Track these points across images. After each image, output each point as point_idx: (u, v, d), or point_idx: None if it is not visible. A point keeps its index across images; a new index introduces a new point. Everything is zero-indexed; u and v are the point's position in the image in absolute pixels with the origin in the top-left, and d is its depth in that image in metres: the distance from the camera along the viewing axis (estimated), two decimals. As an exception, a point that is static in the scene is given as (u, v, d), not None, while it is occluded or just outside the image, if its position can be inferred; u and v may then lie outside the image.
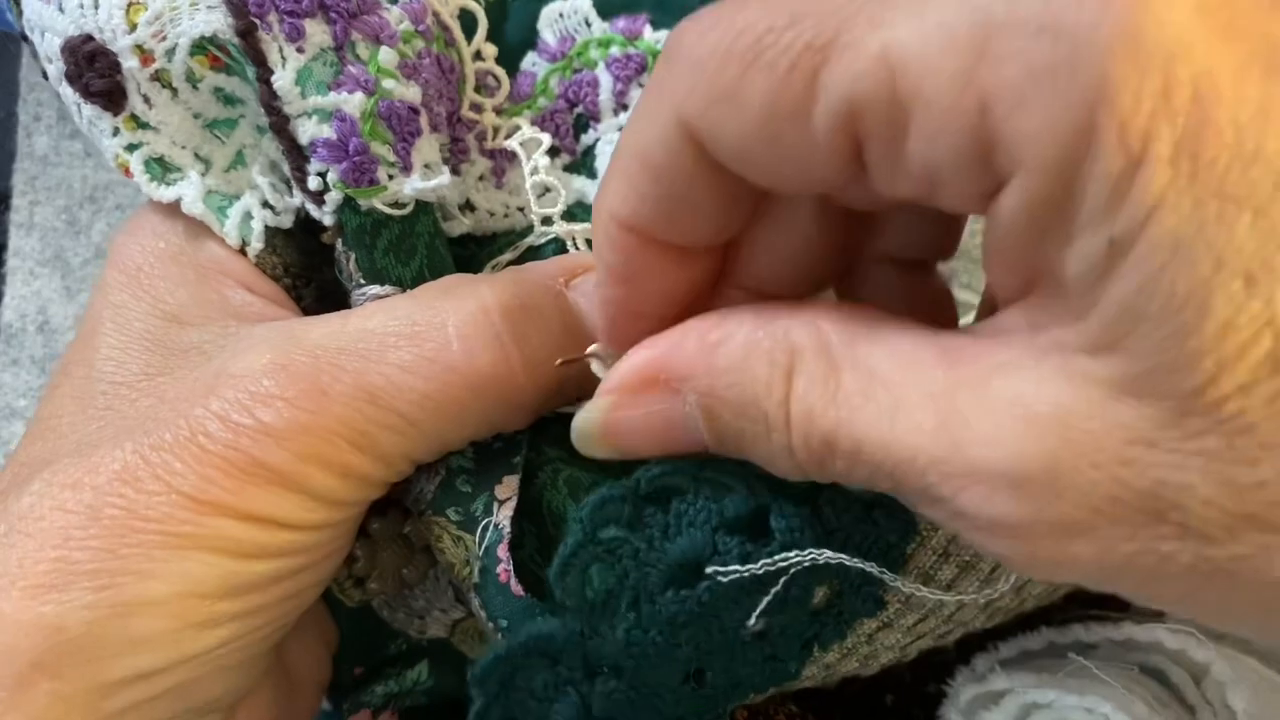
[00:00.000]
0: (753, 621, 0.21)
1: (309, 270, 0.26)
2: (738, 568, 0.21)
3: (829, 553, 0.21)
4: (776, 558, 0.21)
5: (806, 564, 0.21)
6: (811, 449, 0.18)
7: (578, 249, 0.27)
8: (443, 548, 0.24)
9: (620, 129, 0.27)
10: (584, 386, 0.23)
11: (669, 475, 0.21)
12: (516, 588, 0.23)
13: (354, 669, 0.29)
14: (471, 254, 0.28)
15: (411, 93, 0.24)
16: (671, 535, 0.21)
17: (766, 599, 0.21)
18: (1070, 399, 0.15)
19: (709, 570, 0.21)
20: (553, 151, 0.28)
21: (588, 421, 0.21)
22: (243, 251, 0.25)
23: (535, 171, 0.27)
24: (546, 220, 0.27)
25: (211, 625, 0.21)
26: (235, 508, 0.21)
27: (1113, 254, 0.14)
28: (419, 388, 0.21)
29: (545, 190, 0.28)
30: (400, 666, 0.29)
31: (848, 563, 0.21)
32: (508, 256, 0.27)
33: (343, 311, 0.24)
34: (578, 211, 0.28)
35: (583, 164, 0.28)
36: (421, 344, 0.22)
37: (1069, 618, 0.27)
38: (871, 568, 0.21)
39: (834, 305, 0.19)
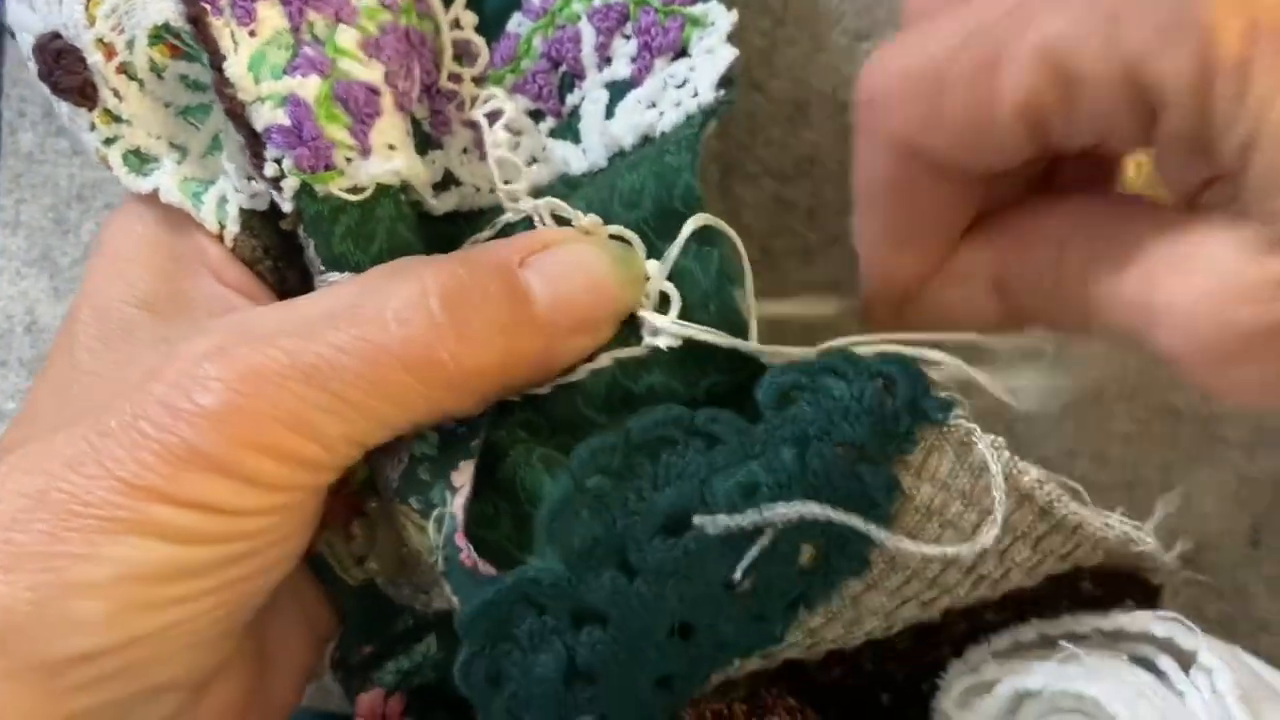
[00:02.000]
0: (739, 575, 0.21)
1: (291, 252, 0.26)
2: (724, 518, 0.21)
3: (816, 506, 0.21)
4: (763, 508, 0.21)
5: (793, 517, 0.21)
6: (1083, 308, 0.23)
7: (545, 224, 0.26)
8: (408, 537, 0.24)
9: (605, 85, 0.26)
10: (535, 368, 0.24)
11: (660, 426, 0.22)
12: (486, 569, 0.22)
13: (362, 648, 0.29)
14: (460, 231, 0.27)
15: (372, 72, 0.24)
16: (660, 485, 0.22)
17: (753, 551, 0.21)
18: (1230, 257, 0.20)
19: (696, 520, 0.21)
20: (536, 116, 0.27)
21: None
22: (220, 236, 0.24)
23: (497, 145, 0.26)
24: (512, 197, 0.26)
25: (153, 608, 0.21)
26: (170, 494, 0.21)
27: (1245, 148, 0.19)
28: (353, 368, 0.21)
29: (534, 161, 0.27)
30: (408, 642, 0.29)
31: (834, 515, 0.21)
32: (485, 234, 0.26)
33: (296, 298, 0.24)
34: (558, 185, 0.27)
35: (568, 127, 0.27)
36: (360, 325, 0.22)
37: (1059, 609, 0.27)
38: (858, 521, 0.21)
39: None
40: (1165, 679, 0.25)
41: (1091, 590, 0.27)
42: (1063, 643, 0.26)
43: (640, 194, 0.24)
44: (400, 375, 0.22)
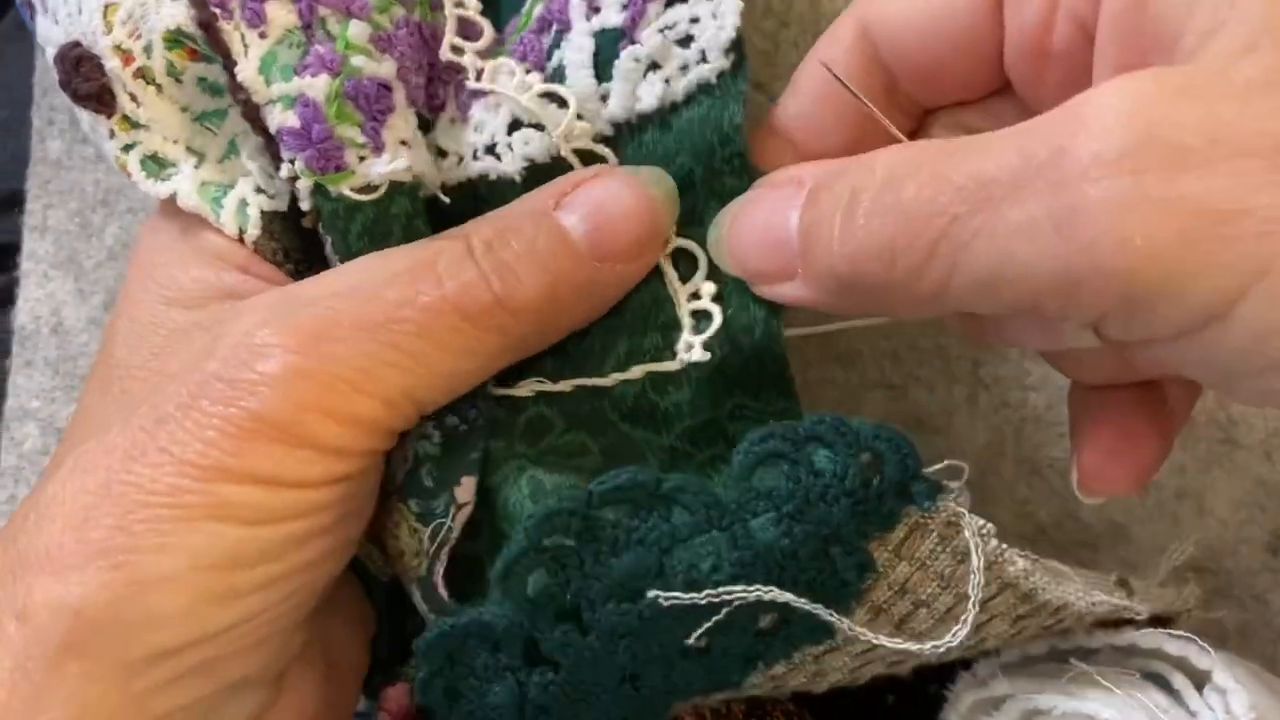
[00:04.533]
0: (692, 641, 0.21)
1: (310, 253, 0.26)
2: (679, 595, 0.20)
3: (776, 591, 0.20)
4: (721, 590, 0.20)
5: (751, 599, 0.20)
6: (896, 195, 0.19)
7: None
8: (398, 535, 0.24)
9: (593, 34, 0.25)
10: (586, 300, 0.24)
11: (624, 490, 0.21)
12: (443, 591, 0.23)
13: (388, 642, 0.29)
14: (454, 210, 0.26)
15: (384, 68, 0.23)
16: (619, 550, 0.21)
17: (707, 624, 0.21)
18: (1189, 67, 0.17)
19: (651, 594, 0.21)
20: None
21: (725, 211, 0.24)
22: (240, 240, 0.25)
23: (571, 136, 0.25)
24: (568, 138, 0.25)
25: (228, 598, 0.21)
26: (237, 470, 0.21)
27: None
28: (413, 318, 0.22)
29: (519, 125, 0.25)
30: None
31: (794, 602, 0.20)
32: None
33: (332, 269, 0.24)
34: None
35: (554, 81, 0.26)
36: (413, 280, 0.22)
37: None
38: (819, 609, 0.21)
39: None
40: (1178, 698, 0.25)
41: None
42: (1073, 660, 0.25)
43: (690, 186, 0.24)
44: (455, 321, 0.22)
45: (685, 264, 0.25)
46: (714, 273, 0.24)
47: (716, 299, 0.24)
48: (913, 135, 0.25)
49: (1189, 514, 0.32)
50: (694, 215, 0.25)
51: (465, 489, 0.24)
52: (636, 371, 0.24)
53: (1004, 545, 0.22)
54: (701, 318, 0.24)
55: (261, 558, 0.21)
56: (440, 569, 0.23)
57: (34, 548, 0.21)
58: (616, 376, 0.24)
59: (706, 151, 0.24)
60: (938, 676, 0.28)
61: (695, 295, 0.24)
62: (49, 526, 0.21)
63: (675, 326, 0.24)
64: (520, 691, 0.22)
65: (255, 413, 0.21)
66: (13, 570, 0.21)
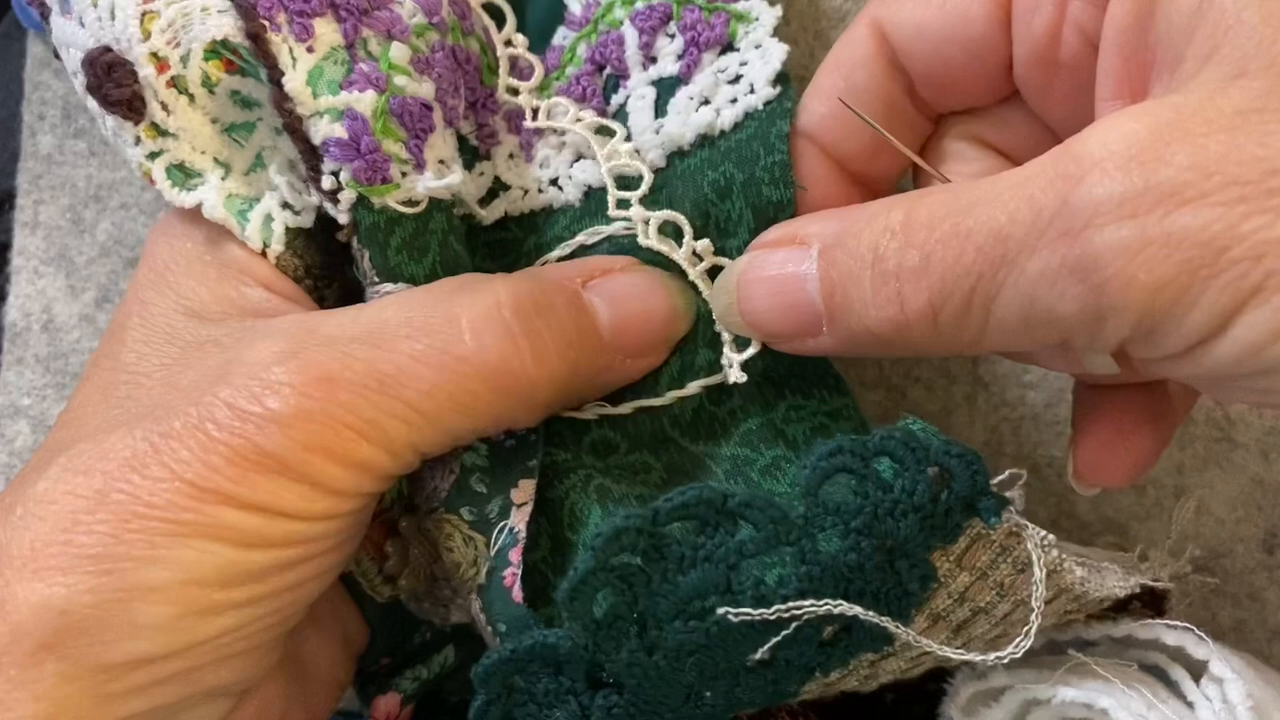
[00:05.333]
0: (759, 655, 0.21)
1: (331, 270, 0.26)
2: (749, 611, 0.20)
3: (845, 605, 0.20)
4: (790, 605, 0.20)
5: (820, 614, 0.20)
6: (924, 255, 0.20)
7: (649, 239, 0.25)
8: (452, 546, 0.24)
9: (651, 83, 0.27)
10: (593, 385, 0.24)
11: (690, 506, 0.21)
12: (518, 594, 0.22)
13: (381, 660, 0.29)
14: (514, 236, 0.27)
15: (425, 88, 0.24)
16: (685, 568, 0.21)
17: (775, 639, 0.21)
18: (1175, 99, 0.19)
19: (720, 611, 0.21)
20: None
21: (726, 277, 0.24)
22: (264, 254, 0.25)
23: (610, 158, 0.26)
24: (623, 204, 0.26)
25: (212, 613, 0.21)
26: (237, 496, 0.21)
27: None
28: (429, 377, 0.22)
29: (580, 158, 0.27)
30: (428, 653, 0.29)
31: (862, 615, 0.21)
32: (557, 253, 0.27)
33: (357, 305, 0.24)
34: (617, 186, 0.27)
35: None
36: (434, 335, 0.22)
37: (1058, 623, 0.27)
38: (887, 622, 0.21)
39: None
40: (1175, 688, 0.25)
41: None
42: (1071, 650, 0.25)
43: (729, 192, 0.25)
44: (475, 385, 0.22)
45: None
46: None
47: None
48: (930, 137, 0.26)
49: (1185, 514, 0.32)
50: (728, 224, 0.25)
51: (523, 491, 0.24)
52: (693, 387, 0.25)
53: (1063, 555, 0.22)
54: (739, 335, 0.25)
55: (249, 578, 0.22)
56: (511, 572, 0.23)
57: (17, 543, 0.21)
58: (673, 394, 0.25)
59: (751, 159, 0.25)
60: (936, 674, 0.28)
61: None
62: (36, 525, 0.21)
63: (719, 338, 0.25)
64: (583, 715, 0.22)
65: (260, 446, 0.21)
66: None
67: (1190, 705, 0.25)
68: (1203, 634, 0.25)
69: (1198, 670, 0.25)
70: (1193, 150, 0.18)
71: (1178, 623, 0.25)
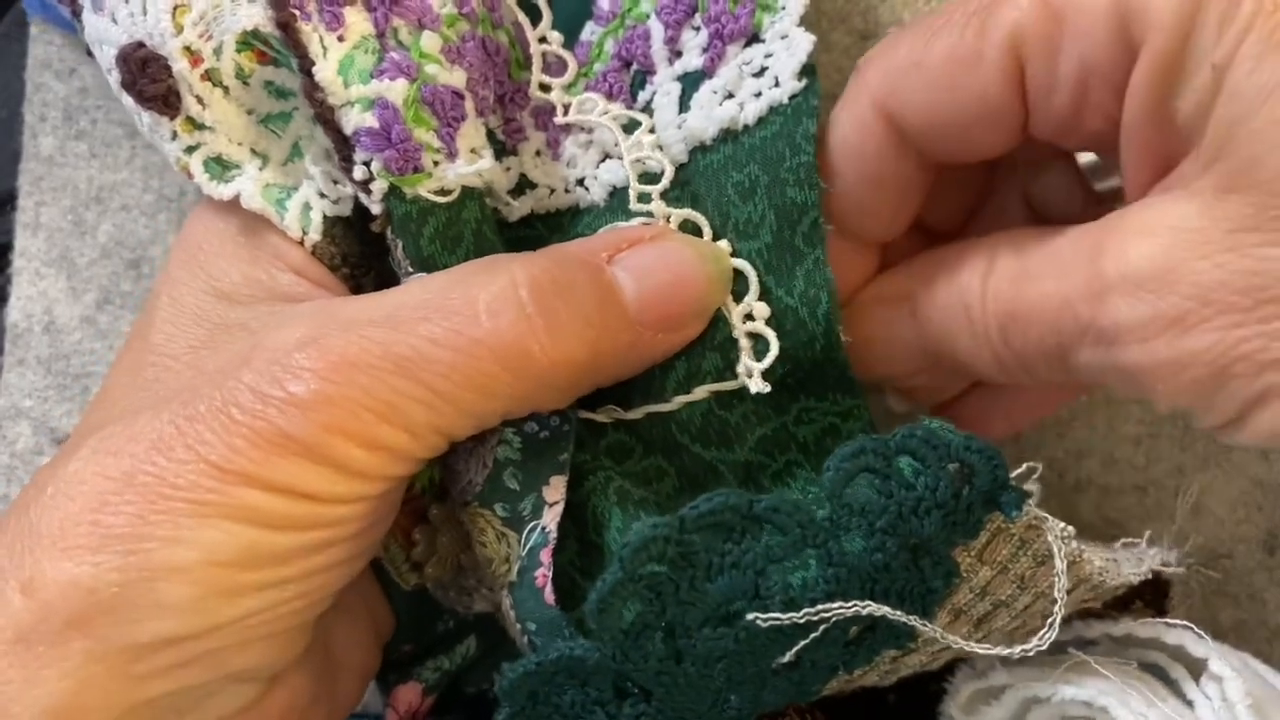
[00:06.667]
0: (787, 658, 0.21)
1: (367, 259, 0.26)
2: (778, 616, 0.21)
3: (873, 605, 0.21)
4: (819, 607, 0.21)
5: (849, 614, 0.21)
6: (1000, 326, 0.23)
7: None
8: (485, 541, 0.24)
9: (676, 78, 0.26)
10: (623, 363, 0.24)
11: (716, 513, 0.21)
12: (550, 596, 0.22)
13: (403, 648, 0.29)
14: (539, 234, 0.27)
15: (456, 77, 0.24)
16: (713, 575, 0.21)
17: (804, 641, 0.21)
18: (1182, 209, 0.20)
19: (749, 616, 0.21)
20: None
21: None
22: (301, 242, 0.25)
23: (634, 149, 0.26)
24: (644, 197, 0.26)
25: (236, 594, 0.21)
26: (260, 478, 0.21)
27: (1216, 78, 0.19)
28: (446, 359, 0.22)
29: (606, 157, 0.27)
30: (450, 642, 0.29)
31: (890, 615, 0.21)
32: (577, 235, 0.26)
33: (382, 290, 0.24)
34: (639, 182, 0.26)
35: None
36: (450, 317, 0.22)
37: (1069, 615, 0.27)
38: (914, 621, 0.21)
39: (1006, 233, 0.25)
40: (1175, 687, 0.25)
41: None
42: (1071, 649, 0.25)
43: (753, 194, 0.25)
44: (491, 367, 0.22)
45: (738, 282, 0.25)
46: (766, 293, 0.24)
47: (769, 322, 0.24)
48: (937, 177, 0.26)
49: (1186, 513, 0.32)
50: (748, 227, 0.25)
51: (554, 488, 0.24)
52: (700, 392, 0.25)
53: (1081, 546, 0.23)
54: (758, 340, 0.24)
55: (273, 560, 0.22)
56: (542, 573, 0.23)
57: (48, 522, 0.21)
58: (680, 399, 0.25)
59: (776, 160, 0.24)
60: (937, 675, 0.28)
61: (749, 316, 0.24)
62: (66, 504, 0.21)
63: (732, 345, 0.25)
64: None
65: (282, 429, 0.21)
66: (22, 539, 0.21)
67: (1190, 704, 0.25)
68: (1202, 632, 0.25)
69: (1197, 669, 0.25)
70: (1193, 278, 0.20)
71: (1177, 621, 0.25)
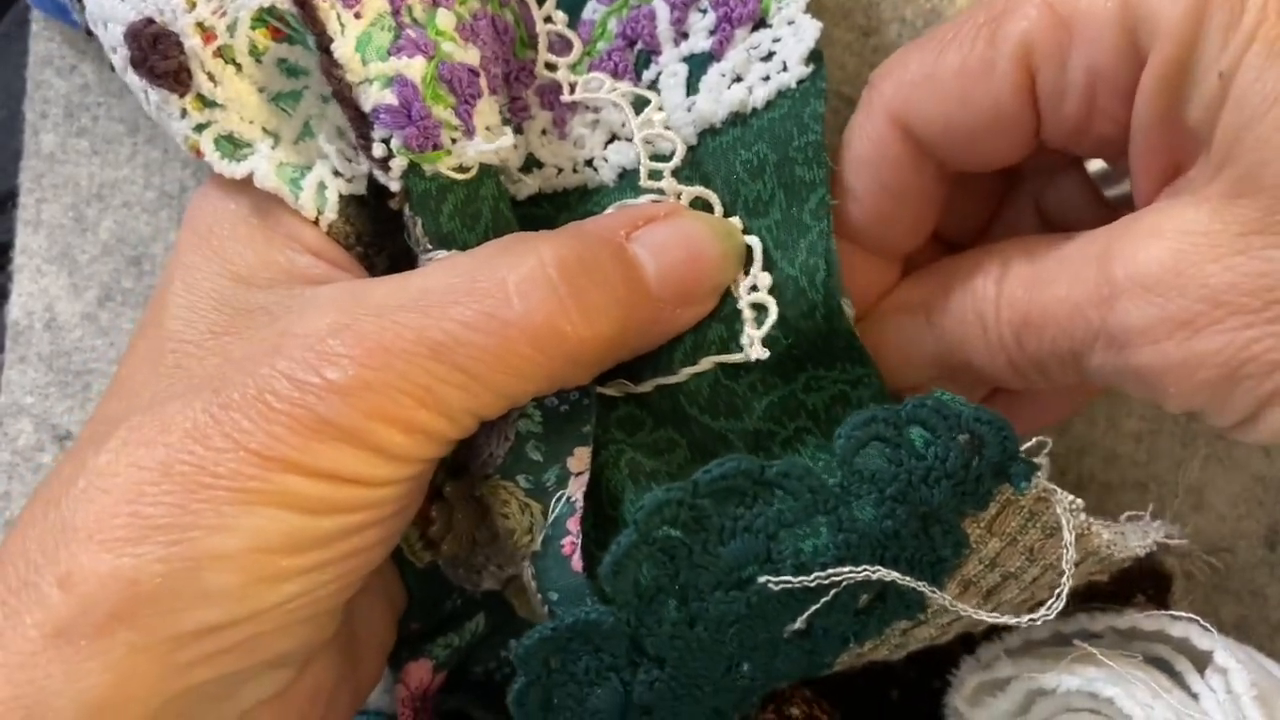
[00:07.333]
0: (798, 624, 0.22)
1: (381, 238, 0.26)
2: (789, 579, 0.21)
3: (883, 570, 0.21)
4: (830, 571, 0.21)
5: (858, 579, 0.21)
6: (1015, 331, 0.23)
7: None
8: (508, 513, 0.24)
9: (683, 59, 0.27)
10: (645, 338, 0.24)
11: (728, 478, 0.21)
12: (578, 563, 0.23)
13: (412, 625, 0.29)
14: (546, 214, 0.27)
15: (471, 55, 0.24)
16: (726, 539, 0.21)
17: (815, 606, 0.21)
18: (1191, 213, 0.21)
19: (761, 580, 0.21)
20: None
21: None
22: (316, 221, 0.25)
23: (644, 127, 0.26)
24: (655, 174, 0.26)
25: (280, 580, 0.22)
26: (302, 464, 0.21)
27: (1222, 85, 0.20)
28: (479, 343, 0.22)
29: (614, 139, 0.27)
30: (459, 620, 0.29)
31: (901, 582, 0.21)
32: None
33: (405, 272, 0.24)
34: (649, 162, 0.27)
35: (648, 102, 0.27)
36: (482, 300, 0.22)
37: (1073, 604, 0.27)
38: (923, 587, 0.21)
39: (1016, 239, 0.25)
40: (1180, 679, 0.25)
41: (1105, 584, 0.27)
42: (1076, 641, 0.25)
43: (761, 172, 0.25)
44: (524, 348, 0.22)
45: (747, 258, 0.25)
46: (769, 263, 0.25)
47: (771, 291, 0.25)
48: (953, 189, 0.26)
49: (1188, 509, 0.32)
50: (758, 204, 0.25)
51: (579, 459, 0.24)
52: (706, 363, 0.25)
53: (1089, 519, 0.23)
54: (760, 310, 0.25)
55: (316, 544, 0.22)
56: (570, 541, 0.23)
57: (83, 515, 0.21)
58: (687, 371, 0.25)
59: (784, 139, 0.25)
60: (941, 671, 0.28)
61: (754, 288, 0.25)
62: (100, 498, 0.21)
63: (736, 316, 0.25)
64: (625, 692, 0.22)
65: (322, 415, 0.21)
66: (55, 534, 0.21)
67: (1195, 696, 0.25)
68: (1207, 625, 0.25)
69: (1202, 662, 0.25)
70: (1203, 280, 0.20)
71: (1182, 614, 0.25)
